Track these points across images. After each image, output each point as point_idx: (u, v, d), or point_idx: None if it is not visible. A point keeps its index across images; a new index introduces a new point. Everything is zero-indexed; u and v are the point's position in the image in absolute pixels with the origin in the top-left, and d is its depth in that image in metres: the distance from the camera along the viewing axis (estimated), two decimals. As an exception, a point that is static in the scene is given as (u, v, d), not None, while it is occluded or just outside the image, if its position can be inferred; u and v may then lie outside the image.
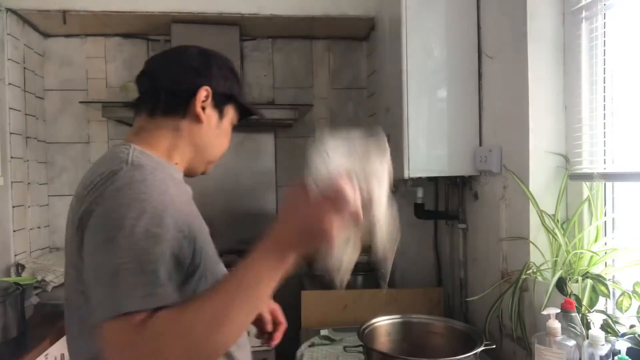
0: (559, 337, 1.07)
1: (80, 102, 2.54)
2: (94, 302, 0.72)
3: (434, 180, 2.15)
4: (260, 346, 1.95)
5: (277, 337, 1.17)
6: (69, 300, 0.89)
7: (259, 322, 1.16)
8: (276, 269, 0.72)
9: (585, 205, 1.36)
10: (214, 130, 0.99)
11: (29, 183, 2.38)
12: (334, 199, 0.70)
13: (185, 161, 0.99)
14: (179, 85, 0.95)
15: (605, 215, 1.35)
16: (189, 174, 1.03)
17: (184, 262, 0.79)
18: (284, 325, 1.18)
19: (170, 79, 0.96)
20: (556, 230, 1.33)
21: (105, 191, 0.77)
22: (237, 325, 0.71)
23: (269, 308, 1.18)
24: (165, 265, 0.72)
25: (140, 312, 0.67)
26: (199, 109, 0.95)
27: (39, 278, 2.06)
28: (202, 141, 0.99)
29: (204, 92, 0.95)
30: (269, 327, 1.17)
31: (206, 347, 0.68)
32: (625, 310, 1.13)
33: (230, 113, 1.03)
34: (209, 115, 0.98)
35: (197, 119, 0.96)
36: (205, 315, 0.68)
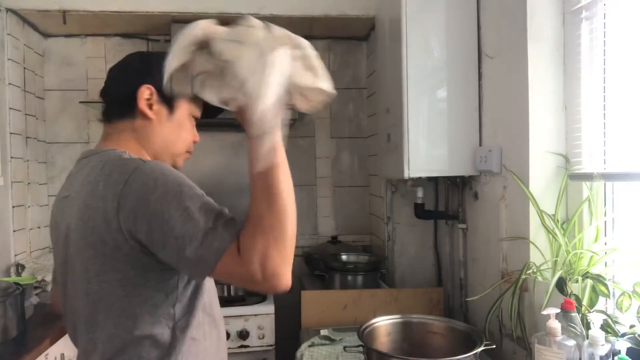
0: (559, 337, 1.07)
1: (80, 102, 2.53)
2: (194, 260, 0.80)
3: (434, 180, 2.15)
4: (260, 346, 1.96)
5: None
6: (91, 295, 0.90)
7: None
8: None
9: (585, 205, 1.36)
10: (165, 124, 1.03)
11: (29, 183, 2.39)
12: None
13: (153, 157, 1.03)
14: (124, 89, 1.01)
15: (605, 215, 1.35)
16: None
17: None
18: None
19: (117, 86, 1.03)
20: (556, 230, 1.34)
21: (145, 180, 0.84)
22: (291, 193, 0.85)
23: None
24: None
25: (233, 242, 0.81)
26: (143, 107, 0.99)
27: (39, 278, 2.06)
28: (158, 137, 1.03)
29: (146, 91, 0.99)
30: None
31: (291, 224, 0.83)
32: (625, 310, 1.13)
33: (185, 105, 1.05)
34: (158, 111, 1.01)
35: (146, 117, 1.00)
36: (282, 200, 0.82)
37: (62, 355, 1.67)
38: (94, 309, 0.91)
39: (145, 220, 0.82)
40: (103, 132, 1.05)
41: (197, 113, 1.08)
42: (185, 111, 1.05)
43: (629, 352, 1.05)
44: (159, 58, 0.96)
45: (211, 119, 1.13)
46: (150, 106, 1.01)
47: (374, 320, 1.46)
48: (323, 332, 1.73)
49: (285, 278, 0.81)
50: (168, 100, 1.02)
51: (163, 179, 0.85)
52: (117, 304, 0.88)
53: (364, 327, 1.40)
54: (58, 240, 0.98)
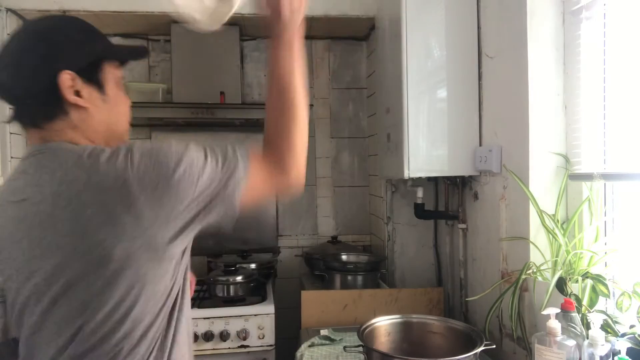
0: (559, 337, 1.07)
1: (80, 102, 2.54)
2: (237, 177, 0.86)
3: (434, 180, 2.15)
4: (260, 346, 1.96)
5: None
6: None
7: None
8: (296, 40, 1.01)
9: (585, 205, 1.36)
10: (102, 105, 0.90)
11: (29, 183, 2.38)
12: None
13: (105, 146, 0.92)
14: (37, 84, 0.85)
15: (605, 215, 1.35)
16: None
17: None
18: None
19: (24, 81, 0.85)
20: (556, 230, 1.34)
21: (137, 157, 0.81)
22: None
23: None
24: None
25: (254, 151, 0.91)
26: (71, 98, 0.86)
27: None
28: (102, 124, 0.91)
29: (67, 77, 0.85)
30: None
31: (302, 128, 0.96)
32: (625, 310, 1.13)
33: (110, 74, 0.93)
34: (88, 95, 0.88)
35: (80, 107, 0.87)
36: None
37: (62, 355, 1.67)
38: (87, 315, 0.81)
39: (182, 187, 0.81)
40: (34, 138, 0.88)
41: (120, 73, 0.95)
42: (112, 80, 0.93)
43: (629, 352, 1.05)
44: (61, 33, 0.88)
45: (135, 60, 1.03)
46: (78, 93, 0.87)
47: (374, 320, 1.46)
48: (323, 332, 1.73)
49: (304, 168, 0.95)
50: (94, 78, 0.89)
51: (166, 146, 0.83)
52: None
53: (364, 327, 1.40)
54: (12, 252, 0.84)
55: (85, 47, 0.89)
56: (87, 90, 0.88)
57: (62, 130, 0.87)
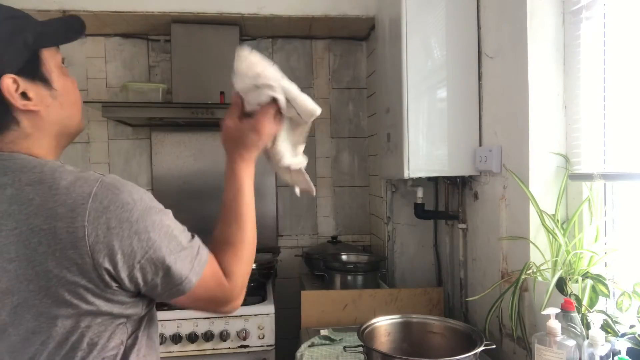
0: (559, 337, 1.07)
1: (80, 102, 2.54)
2: (178, 278, 0.80)
3: (434, 180, 2.15)
4: (260, 346, 1.96)
5: None
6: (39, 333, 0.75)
7: None
8: (251, 169, 0.98)
9: (585, 205, 1.36)
10: (53, 103, 0.81)
11: (29, 183, 2.38)
12: (266, 108, 0.94)
13: (60, 150, 0.87)
14: None
15: (605, 215, 1.35)
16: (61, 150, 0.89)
17: None
18: None
19: None
20: (556, 230, 1.34)
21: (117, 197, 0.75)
22: (253, 219, 0.96)
23: None
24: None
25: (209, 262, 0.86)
26: (20, 104, 0.77)
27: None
28: (55, 124, 0.83)
29: (9, 82, 0.75)
30: None
31: (249, 247, 0.94)
32: (625, 310, 1.13)
33: (51, 61, 0.82)
34: (36, 94, 0.79)
35: (31, 112, 0.79)
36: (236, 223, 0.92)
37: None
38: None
39: (126, 242, 0.74)
40: None
41: (59, 56, 0.85)
42: (55, 68, 0.83)
43: (629, 352, 1.05)
44: None
45: (73, 40, 0.89)
46: (25, 96, 0.77)
47: (374, 320, 1.46)
48: (323, 332, 1.73)
49: (244, 294, 0.92)
50: (37, 75, 0.79)
51: (138, 196, 0.77)
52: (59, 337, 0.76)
53: (364, 327, 1.40)
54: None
55: (17, 42, 0.77)
56: (34, 90, 0.79)
57: (14, 141, 0.78)
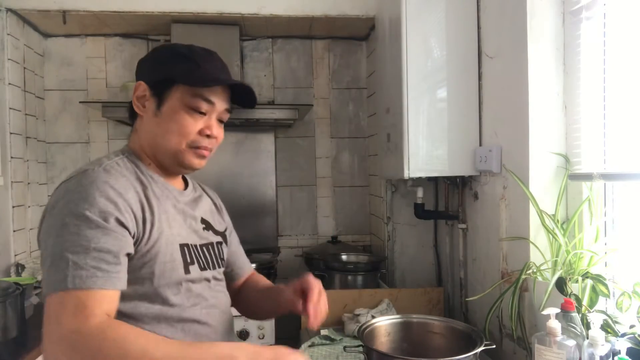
0: (559, 337, 1.07)
1: (80, 102, 2.54)
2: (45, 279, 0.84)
3: (434, 180, 2.15)
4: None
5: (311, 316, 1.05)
6: None
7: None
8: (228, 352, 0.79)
9: (585, 205, 1.36)
10: (152, 118, 1.02)
11: (29, 183, 2.38)
12: None
13: (150, 157, 1.05)
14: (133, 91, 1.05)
15: (605, 215, 1.35)
16: (172, 170, 1.08)
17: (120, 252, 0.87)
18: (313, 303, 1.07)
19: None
20: (556, 230, 1.33)
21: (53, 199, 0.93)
22: None
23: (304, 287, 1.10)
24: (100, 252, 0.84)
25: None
26: (135, 105, 1.02)
27: (39, 278, 2.06)
28: (147, 132, 1.03)
29: (139, 87, 1.02)
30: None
31: None
32: (625, 310, 1.13)
33: (176, 95, 0.99)
34: (148, 106, 1.02)
35: (140, 115, 1.04)
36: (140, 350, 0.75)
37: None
38: None
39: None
40: None
41: (196, 103, 0.99)
42: (176, 102, 0.99)
43: (629, 352, 1.05)
44: (156, 52, 1.07)
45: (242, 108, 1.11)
46: (143, 103, 1.02)
47: (374, 320, 1.46)
48: (323, 332, 1.73)
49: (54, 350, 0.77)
50: (158, 94, 1.01)
51: (63, 206, 0.87)
52: None
53: (364, 327, 1.40)
54: None
55: (165, 67, 1.01)
56: (149, 102, 1.02)
57: (133, 130, 1.07)
